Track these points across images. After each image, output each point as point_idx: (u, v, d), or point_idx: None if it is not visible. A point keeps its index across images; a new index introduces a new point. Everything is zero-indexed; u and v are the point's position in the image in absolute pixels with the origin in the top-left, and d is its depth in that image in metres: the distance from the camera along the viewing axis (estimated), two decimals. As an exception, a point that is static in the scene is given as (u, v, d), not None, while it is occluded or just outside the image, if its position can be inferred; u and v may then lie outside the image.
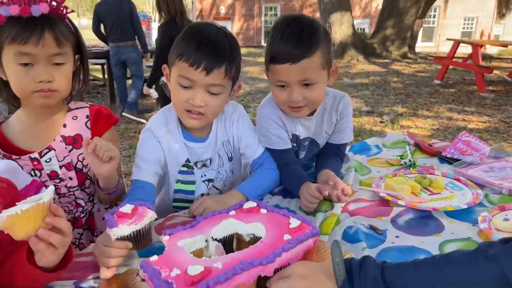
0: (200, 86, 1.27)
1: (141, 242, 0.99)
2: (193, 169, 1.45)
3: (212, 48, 1.25)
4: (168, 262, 0.86)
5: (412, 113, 6.50)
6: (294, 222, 0.98)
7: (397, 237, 1.11)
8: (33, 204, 0.80)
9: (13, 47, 1.10)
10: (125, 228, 0.95)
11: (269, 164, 1.49)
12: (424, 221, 1.19)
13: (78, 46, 1.25)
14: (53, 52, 1.14)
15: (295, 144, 1.56)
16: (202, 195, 1.49)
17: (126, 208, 0.98)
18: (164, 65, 1.38)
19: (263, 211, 1.07)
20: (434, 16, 22.17)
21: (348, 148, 1.82)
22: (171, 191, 1.48)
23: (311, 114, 1.53)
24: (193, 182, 1.47)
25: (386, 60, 12.02)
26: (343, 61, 11.61)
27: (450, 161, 1.63)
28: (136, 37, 5.95)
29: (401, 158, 1.65)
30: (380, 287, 0.80)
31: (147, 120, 6.07)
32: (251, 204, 1.09)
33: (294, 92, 1.36)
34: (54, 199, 1.27)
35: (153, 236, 1.09)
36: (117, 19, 5.74)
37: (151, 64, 5.12)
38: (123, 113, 6.15)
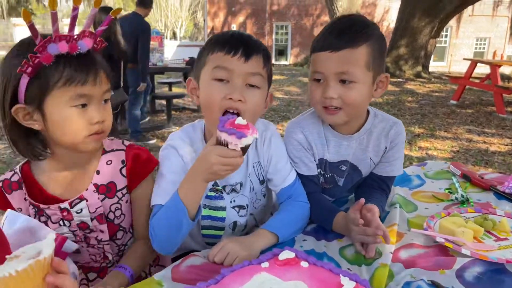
0: (237, 77, 1.13)
1: (246, 151, 1.03)
2: (222, 193, 1.27)
3: (248, 37, 1.19)
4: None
5: (429, 134, 6.28)
6: (348, 284, 0.77)
7: (469, 297, 0.90)
8: (31, 262, 0.63)
9: (69, 89, 0.98)
10: (250, 138, 0.99)
11: (299, 196, 1.30)
12: (497, 276, 0.97)
13: None
14: (105, 89, 1.05)
15: (322, 171, 1.37)
16: (235, 223, 1.30)
17: (241, 120, 1.00)
18: (190, 78, 1.23)
19: (304, 264, 0.87)
20: (446, 36, 22.10)
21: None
22: (199, 217, 1.25)
23: (353, 132, 1.33)
24: (223, 208, 1.29)
25: (400, 79, 11.85)
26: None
27: (509, 197, 1.41)
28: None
29: (449, 192, 1.44)
30: None
31: (157, 137, 5.96)
32: (288, 254, 0.88)
33: (330, 87, 1.20)
34: (82, 246, 1.17)
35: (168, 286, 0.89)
36: (126, 37, 5.48)
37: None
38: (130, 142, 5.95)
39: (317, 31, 20.68)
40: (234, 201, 1.29)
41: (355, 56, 1.18)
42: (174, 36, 31.21)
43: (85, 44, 0.98)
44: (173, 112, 7.00)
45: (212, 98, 1.13)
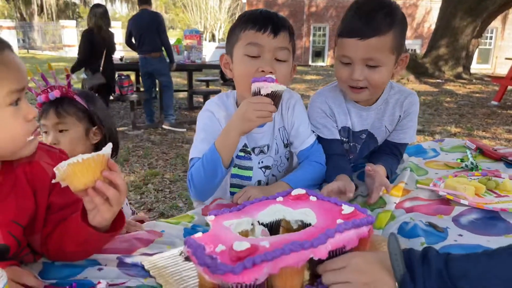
0: (268, 52, 1.27)
1: (278, 104, 1.22)
2: (251, 154, 1.43)
3: (275, 15, 1.33)
4: (213, 239, 0.82)
5: (466, 133, 6.19)
6: (347, 209, 0.91)
7: (460, 235, 1.02)
8: (94, 154, 0.79)
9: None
10: (279, 86, 1.18)
11: (317, 157, 1.44)
12: (491, 221, 1.08)
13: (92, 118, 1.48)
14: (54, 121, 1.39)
15: (345, 139, 1.50)
16: (259, 182, 1.46)
17: (271, 75, 1.19)
18: (223, 54, 1.39)
19: (313, 198, 1.01)
20: (491, 38, 21.34)
21: (402, 149, 1.72)
22: (228, 176, 1.43)
23: (370, 104, 1.46)
24: (250, 168, 1.45)
25: (439, 80, 11.61)
26: (393, 80, 11.35)
27: (518, 166, 1.50)
28: (163, 49, 6.13)
29: (461, 161, 1.53)
30: (445, 281, 0.71)
31: (190, 130, 6.22)
32: (300, 191, 1.03)
33: (356, 70, 1.31)
34: None
35: (199, 218, 1.07)
36: (145, 31, 5.95)
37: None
38: (163, 126, 6.33)
39: (355, 32, 20.55)
40: (262, 162, 1.45)
41: (381, 44, 1.28)
42: (213, 38, 31.91)
43: (54, 94, 1.40)
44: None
45: (245, 72, 1.29)
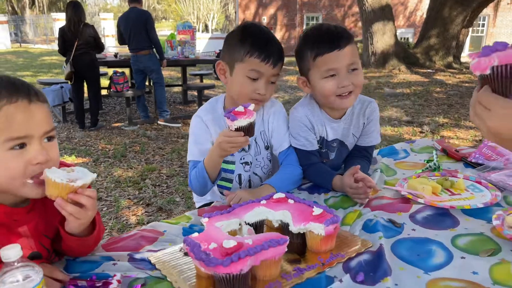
0: (265, 77, 1.53)
1: (251, 132, 1.38)
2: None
3: (276, 46, 1.56)
4: (206, 238, 1.01)
5: (454, 123, 6.40)
6: (317, 210, 1.11)
7: (414, 230, 1.21)
8: (64, 182, 0.95)
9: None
10: (243, 121, 1.33)
11: (291, 160, 1.65)
12: (441, 217, 1.28)
13: None
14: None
15: (321, 146, 1.69)
16: (240, 175, 1.70)
17: (240, 108, 1.35)
18: (219, 61, 1.61)
19: (291, 201, 1.21)
20: (483, 25, 21.49)
21: (376, 151, 1.92)
22: None
23: (340, 117, 1.66)
24: (233, 163, 1.69)
25: (430, 70, 11.81)
26: (385, 70, 11.53)
27: (474, 165, 1.70)
28: (152, 46, 6.31)
29: (427, 162, 1.73)
30: None
31: (185, 124, 6.38)
32: (280, 195, 1.23)
33: (344, 78, 1.50)
34: None
35: (196, 218, 1.27)
36: (133, 29, 6.13)
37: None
38: (159, 122, 6.51)
39: (348, 22, 20.64)
40: (243, 158, 1.69)
41: (355, 49, 1.54)
42: (206, 28, 31.81)
43: None
44: (203, 102, 7.43)
45: (244, 91, 1.55)
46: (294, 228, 1.10)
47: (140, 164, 4.85)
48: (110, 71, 7.15)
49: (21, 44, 25.64)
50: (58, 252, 1.13)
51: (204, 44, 18.81)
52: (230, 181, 1.71)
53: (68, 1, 6.09)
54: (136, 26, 6.08)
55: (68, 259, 1.12)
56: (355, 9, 14.20)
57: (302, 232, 1.11)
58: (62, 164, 1.11)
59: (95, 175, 1.01)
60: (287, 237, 1.00)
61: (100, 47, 6.24)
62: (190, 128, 1.68)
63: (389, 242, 1.15)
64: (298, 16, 20.68)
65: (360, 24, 12.66)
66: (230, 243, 0.95)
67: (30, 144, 0.96)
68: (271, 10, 20.66)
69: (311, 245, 1.10)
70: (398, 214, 1.31)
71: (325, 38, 1.51)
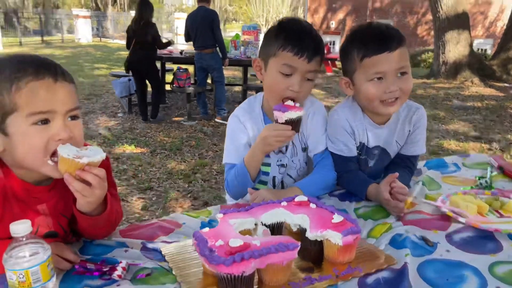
0: (299, 73, 1.44)
1: (297, 127, 1.40)
2: (270, 153, 1.59)
3: (312, 39, 1.45)
4: (216, 234, 0.98)
5: (527, 143, 5.86)
6: (337, 218, 1.03)
7: (448, 251, 1.09)
8: (71, 158, 0.95)
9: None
10: (293, 113, 1.35)
11: (326, 164, 1.56)
12: (482, 240, 1.14)
13: None
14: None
15: (360, 152, 1.59)
16: (274, 177, 1.64)
17: (290, 102, 1.39)
18: (254, 58, 1.56)
19: (312, 205, 1.14)
20: None
21: (422, 163, 1.78)
22: None
23: (383, 123, 1.55)
24: (268, 165, 1.63)
25: (506, 84, 10.93)
26: (455, 82, 10.86)
27: (533, 187, 1.51)
28: (216, 45, 6.38)
29: (478, 179, 1.57)
30: None
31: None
32: (302, 198, 1.16)
33: (392, 82, 1.41)
34: None
35: (216, 213, 1.24)
36: (199, 28, 6.25)
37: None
38: (216, 119, 6.60)
39: (421, 30, 19.74)
40: (280, 160, 1.62)
41: (405, 53, 1.43)
42: (274, 31, 31.80)
43: None
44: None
45: (277, 87, 1.47)
46: (310, 235, 1.04)
47: (193, 159, 4.95)
48: (176, 67, 7.39)
49: (101, 38, 27.35)
50: (76, 233, 1.15)
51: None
52: (265, 183, 1.65)
53: None
54: (203, 25, 6.21)
55: (86, 241, 1.14)
56: (429, 16, 13.52)
57: (320, 240, 1.04)
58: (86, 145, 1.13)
59: (104, 154, 1.01)
60: (298, 243, 0.93)
61: (158, 46, 6.41)
62: (227, 129, 1.64)
63: (417, 261, 1.04)
64: (367, 22, 20.13)
65: (432, 33, 12.01)
66: (236, 242, 0.90)
67: (54, 120, 0.98)
68: (340, 15, 20.31)
69: (328, 254, 1.03)
70: (434, 232, 1.19)
71: (375, 39, 1.41)
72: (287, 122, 1.36)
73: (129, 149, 5.22)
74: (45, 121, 0.97)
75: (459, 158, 1.86)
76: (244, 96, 8.27)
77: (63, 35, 25.45)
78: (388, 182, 1.36)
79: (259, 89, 7.46)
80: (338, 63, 13.99)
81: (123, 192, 3.93)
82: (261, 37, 9.58)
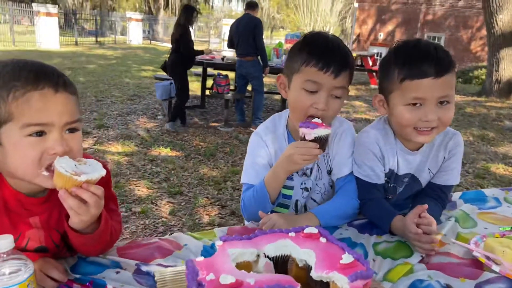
0: (325, 90, 1.32)
1: (324, 146, 1.29)
2: (293, 175, 1.49)
3: (339, 53, 1.34)
4: (209, 265, 0.89)
5: None
6: (347, 258, 0.91)
7: (475, 306, 0.95)
8: (68, 175, 0.90)
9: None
10: (322, 130, 1.26)
11: (348, 190, 1.43)
12: (518, 296, 0.99)
13: None
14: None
15: (388, 180, 1.46)
16: (297, 201, 1.53)
17: (317, 119, 1.29)
18: (280, 75, 1.47)
19: (323, 239, 1.02)
20: None
21: (458, 194, 1.61)
22: None
23: (417, 149, 1.41)
24: (291, 188, 1.52)
25: None
26: (508, 101, 10.26)
27: None
28: (257, 53, 6.33)
29: (522, 219, 1.39)
30: None
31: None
32: (312, 230, 1.05)
33: (431, 111, 1.27)
34: None
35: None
36: (242, 35, 6.23)
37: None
38: (251, 128, 6.53)
39: (474, 45, 18.91)
40: (304, 183, 1.51)
41: (452, 80, 1.28)
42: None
43: None
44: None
45: (300, 105, 1.36)
46: (315, 274, 0.92)
47: (226, 166, 4.91)
48: (217, 72, 7.43)
49: (151, 41, 28.23)
50: (71, 248, 1.10)
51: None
52: (287, 207, 1.54)
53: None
54: (245, 32, 6.22)
55: (80, 257, 1.09)
56: (484, 32, 12.84)
57: (325, 281, 0.93)
58: (86, 158, 1.08)
59: (104, 172, 0.95)
60: (298, 285, 0.83)
61: (185, 50, 6.20)
62: (248, 147, 1.54)
63: (437, 315, 0.90)
64: (418, 35, 19.47)
65: (487, 49, 11.41)
66: (227, 279, 0.81)
67: (50, 133, 0.93)
68: (389, 27, 19.82)
69: (334, 299, 0.91)
70: (461, 281, 1.04)
71: (420, 60, 1.26)
72: (315, 140, 1.26)
73: (165, 151, 5.26)
74: (41, 133, 0.92)
75: (501, 192, 1.66)
76: (283, 105, 8.19)
77: (116, 36, 26.51)
78: (416, 213, 1.22)
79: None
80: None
81: (153, 195, 3.95)
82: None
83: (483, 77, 11.16)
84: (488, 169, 5.15)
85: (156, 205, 3.79)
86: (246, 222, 1.60)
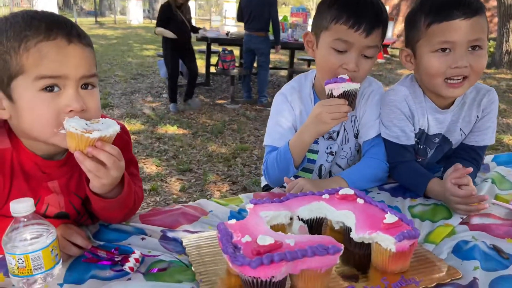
0: (355, 50, 1.23)
1: (353, 103, 1.21)
2: (319, 139, 1.41)
3: (372, 9, 1.23)
4: (243, 228, 0.83)
5: None
6: (390, 218, 0.85)
7: (527, 267, 0.88)
8: (79, 133, 0.82)
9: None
10: (351, 85, 1.17)
11: (376, 153, 1.36)
12: None
13: None
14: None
15: (418, 140, 1.38)
16: (321, 166, 1.46)
17: (344, 75, 1.19)
18: (307, 32, 1.37)
19: (360, 201, 0.96)
20: None
21: (490, 157, 1.54)
22: None
23: (447, 107, 1.33)
24: (315, 152, 1.44)
25: None
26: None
27: None
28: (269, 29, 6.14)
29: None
30: None
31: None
32: (348, 191, 0.99)
33: (461, 56, 1.17)
34: None
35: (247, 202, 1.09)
36: (255, 9, 5.99)
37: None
38: (257, 106, 6.42)
39: (483, 16, 18.50)
40: (330, 147, 1.43)
41: (483, 23, 1.18)
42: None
43: None
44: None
45: (328, 65, 1.27)
46: (356, 236, 0.86)
47: (234, 142, 4.85)
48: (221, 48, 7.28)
49: (152, 20, 27.81)
50: (93, 215, 1.04)
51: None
52: (310, 171, 1.47)
53: None
54: (259, 7, 5.99)
55: (102, 225, 1.03)
56: (493, 2, 12.51)
57: (367, 243, 0.87)
58: (103, 118, 1.01)
59: (118, 127, 0.87)
60: (341, 246, 0.76)
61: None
62: (271, 107, 1.46)
63: (489, 276, 0.84)
64: None
65: (496, 20, 11.14)
66: (265, 240, 0.75)
67: (65, 88, 0.85)
68: (395, 0, 19.39)
69: (377, 261, 0.85)
70: (508, 241, 0.98)
71: (448, 3, 1.18)
72: (343, 95, 1.18)
73: (171, 129, 5.20)
74: (54, 88, 0.85)
75: (534, 154, 1.60)
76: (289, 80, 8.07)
77: (115, 16, 26.09)
78: (457, 176, 1.13)
79: (305, 74, 7.28)
80: (391, 50, 13.44)
81: (163, 173, 3.90)
82: (310, 21, 9.29)
83: (492, 49, 10.94)
84: (501, 140, 5.06)
85: (166, 182, 3.75)
86: (262, 179, 1.56)
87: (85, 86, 0.89)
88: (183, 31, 5.81)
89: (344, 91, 1.17)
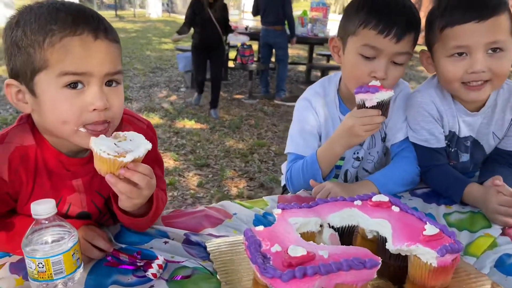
0: (385, 56, 1.16)
1: (386, 111, 1.15)
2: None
3: (403, 13, 1.16)
4: (272, 236, 0.78)
5: None
6: (431, 229, 0.79)
7: None
8: (111, 158, 0.77)
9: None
10: (384, 93, 1.10)
11: (407, 155, 1.30)
12: None
13: None
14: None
15: (449, 143, 1.31)
16: (347, 171, 1.41)
17: (375, 82, 1.13)
18: (333, 37, 1.31)
19: (395, 208, 0.90)
20: None
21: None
22: None
23: (477, 109, 1.25)
24: (342, 158, 1.38)
25: None
26: None
27: None
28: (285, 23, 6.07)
29: None
30: None
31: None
32: (382, 197, 0.93)
33: (478, 61, 1.10)
34: None
35: (273, 205, 1.04)
36: (270, 3, 5.93)
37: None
38: (275, 101, 6.36)
39: None
40: (357, 153, 1.37)
41: (502, 24, 1.11)
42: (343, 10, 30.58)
43: None
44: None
45: (356, 73, 1.21)
46: (392, 247, 0.80)
47: (252, 138, 4.81)
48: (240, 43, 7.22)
49: (171, 14, 27.90)
50: (114, 215, 1.01)
51: (336, 26, 18.08)
52: (336, 176, 1.42)
53: None
54: (274, 1, 5.95)
55: (123, 225, 1.00)
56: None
57: (403, 254, 0.81)
58: (127, 114, 0.97)
59: (150, 145, 0.82)
60: (379, 260, 0.71)
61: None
62: (294, 113, 1.40)
63: (536, 296, 0.78)
64: None
65: None
66: (297, 251, 0.70)
67: (88, 85, 0.82)
68: (416, -5, 19.03)
69: (415, 275, 0.80)
70: (555, 256, 0.91)
71: (462, 4, 1.11)
72: (377, 106, 1.11)
73: (189, 124, 5.18)
74: (78, 85, 0.81)
75: None
76: (308, 76, 7.97)
77: (135, 9, 26.26)
78: (498, 184, 1.08)
79: (324, 69, 7.19)
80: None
81: (180, 167, 3.89)
82: (333, 16, 9.11)
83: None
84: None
85: (184, 177, 3.73)
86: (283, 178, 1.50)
87: (109, 83, 0.85)
88: (207, 31, 5.46)
89: (378, 102, 1.10)
